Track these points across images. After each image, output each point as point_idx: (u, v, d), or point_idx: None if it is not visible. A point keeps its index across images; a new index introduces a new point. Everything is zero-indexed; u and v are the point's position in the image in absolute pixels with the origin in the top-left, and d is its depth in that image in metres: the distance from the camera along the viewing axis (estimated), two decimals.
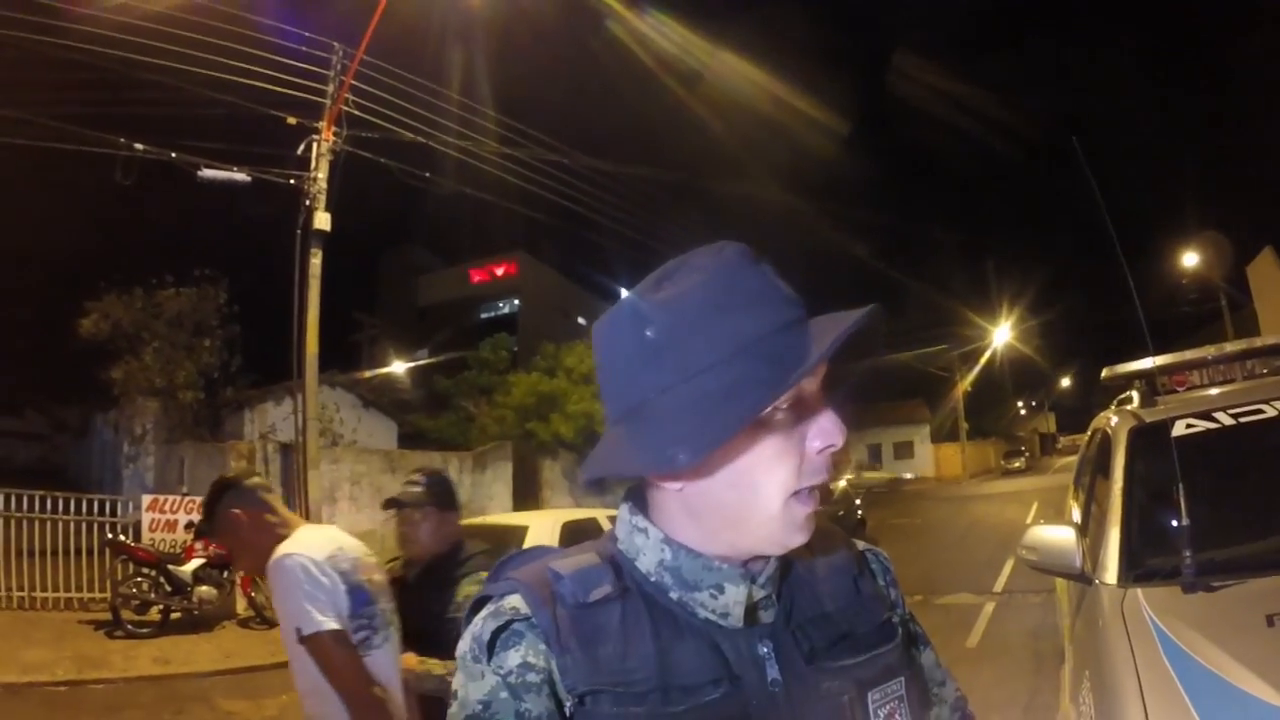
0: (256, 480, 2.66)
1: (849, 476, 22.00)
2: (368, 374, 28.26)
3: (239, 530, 2.49)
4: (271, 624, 10.28)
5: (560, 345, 21.52)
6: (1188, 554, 2.66)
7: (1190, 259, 28.62)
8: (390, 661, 2.56)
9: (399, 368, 30.54)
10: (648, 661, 0.83)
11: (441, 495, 3.35)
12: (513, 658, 0.84)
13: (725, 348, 0.82)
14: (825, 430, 0.86)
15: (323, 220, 11.48)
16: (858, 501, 18.40)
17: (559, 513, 10.65)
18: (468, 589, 3.02)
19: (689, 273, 0.89)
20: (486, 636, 0.86)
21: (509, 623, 0.86)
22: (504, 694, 0.82)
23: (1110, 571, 3.02)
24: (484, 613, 0.89)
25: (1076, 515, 4.86)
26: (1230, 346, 4.65)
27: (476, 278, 46.11)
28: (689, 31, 17.64)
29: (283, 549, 2.39)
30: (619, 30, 17.22)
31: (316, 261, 11.41)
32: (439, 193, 14.08)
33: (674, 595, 0.89)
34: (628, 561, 0.92)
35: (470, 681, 0.85)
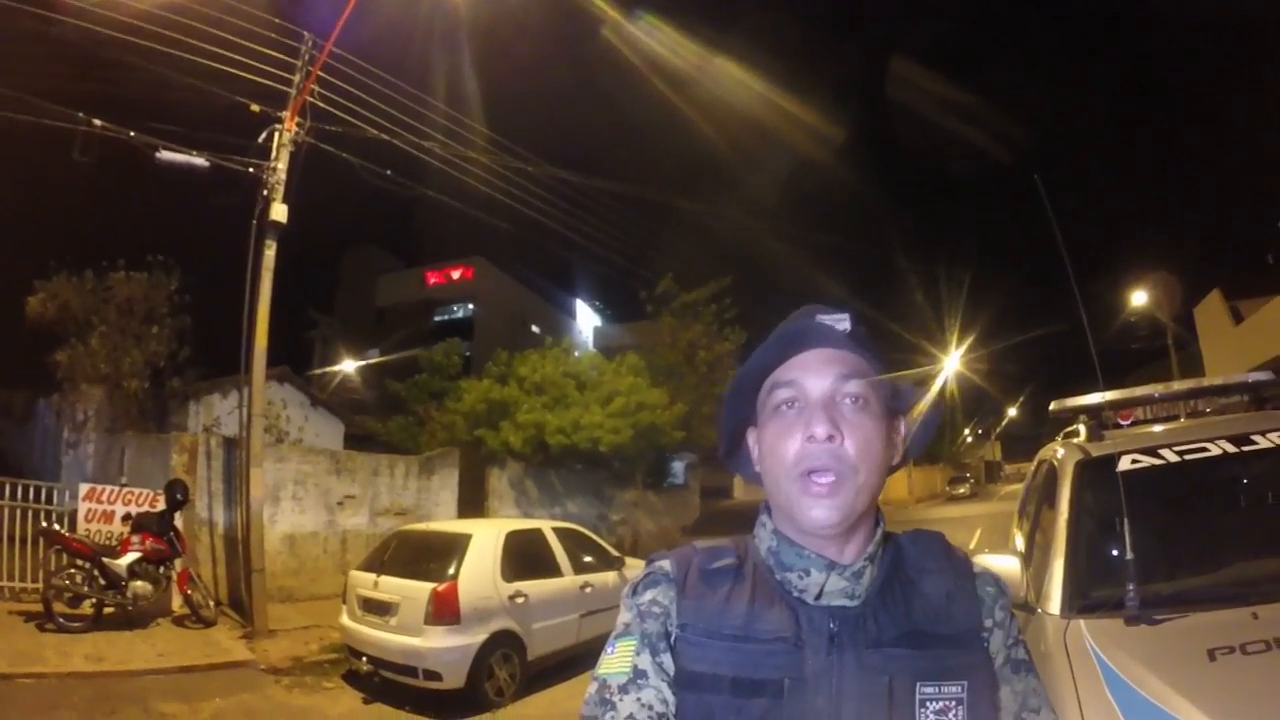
0: None
1: None
2: (318, 372, 27.94)
3: None
4: (208, 623, 10.14)
5: (514, 353, 21.23)
6: (1131, 587, 2.73)
7: (1140, 297, 29.41)
8: None
9: (349, 367, 30.20)
10: (740, 614, 1.14)
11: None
12: (648, 596, 1.19)
13: (757, 351, 1.20)
14: (808, 423, 1.12)
15: (279, 212, 11.22)
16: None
17: (503, 522, 10.58)
18: None
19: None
20: (637, 581, 1.23)
21: (653, 574, 1.23)
22: (637, 618, 1.17)
23: (1054, 602, 3.05)
24: (645, 567, 1.25)
25: (1020, 544, 4.90)
26: (1178, 385, 4.75)
27: (433, 280, 45.74)
28: (672, 39, 17.61)
29: None
30: (598, 39, 17.18)
31: (271, 254, 11.14)
32: (402, 193, 13.85)
33: (777, 575, 1.18)
34: (753, 547, 1.24)
35: (624, 610, 1.21)
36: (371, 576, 8.34)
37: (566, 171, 17.13)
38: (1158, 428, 4.17)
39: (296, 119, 11.50)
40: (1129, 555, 2.76)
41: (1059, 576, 3.17)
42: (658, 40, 17.36)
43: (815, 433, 1.11)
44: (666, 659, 1.13)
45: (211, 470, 12.16)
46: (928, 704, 1.08)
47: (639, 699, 1.09)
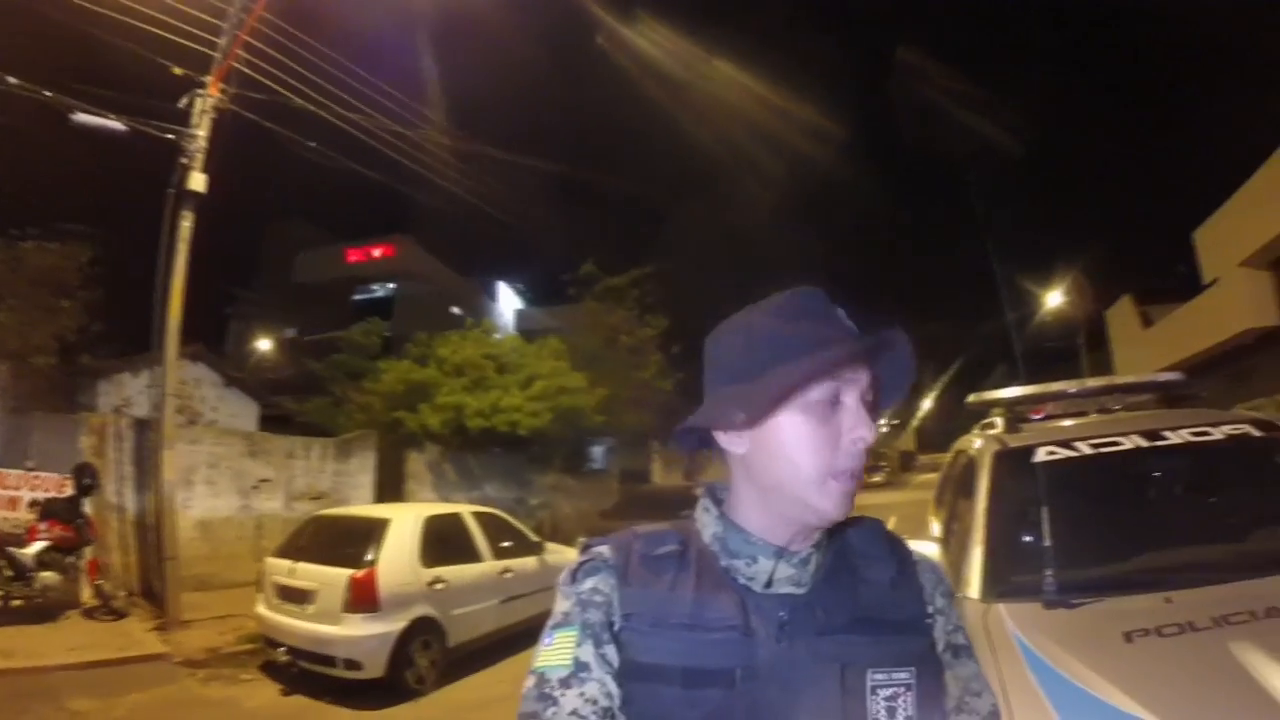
0: None
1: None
2: (234, 350, 27.29)
3: None
4: (120, 614, 9.72)
5: (435, 334, 20.98)
6: (1049, 572, 2.85)
7: (1056, 299, 30.50)
8: None
9: (265, 345, 29.55)
10: (685, 602, 1.10)
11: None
12: (588, 584, 1.14)
13: (785, 347, 1.10)
14: (856, 426, 1.10)
15: (198, 181, 10.71)
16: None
17: (422, 506, 10.49)
18: None
19: (779, 297, 1.18)
20: (575, 568, 1.17)
21: (592, 561, 1.17)
22: (577, 608, 1.12)
23: (974, 587, 3.13)
24: (582, 554, 1.20)
25: (938, 530, 5.06)
26: (1092, 382, 4.95)
27: (353, 257, 44.63)
28: (611, 19, 17.48)
29: None
30: (540, 17, 16.96)
31: (188, 225, 10.63)
32: (327, 166, 13.48)
33: (723, 561, 1.16)
34: (695, 533, 1.20)
35: (561, 599, 1.15)
36: (288, 563, 8.16)
37: (495, 149, 16.93)
38: (1067, 422, 4.31)
39: (220, 85, 10.98)
40: (1047, 542, 2.86)
41: (978, 562, 3.26)
42: (601, 17, 17.27)
43: (864, 436, 1.10)
44: (610, 650, 1.08)
45: (122, 453, 11.67)
46: (878, 691, 1.09)
47: (582, 693, 1.04)
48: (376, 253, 44.14)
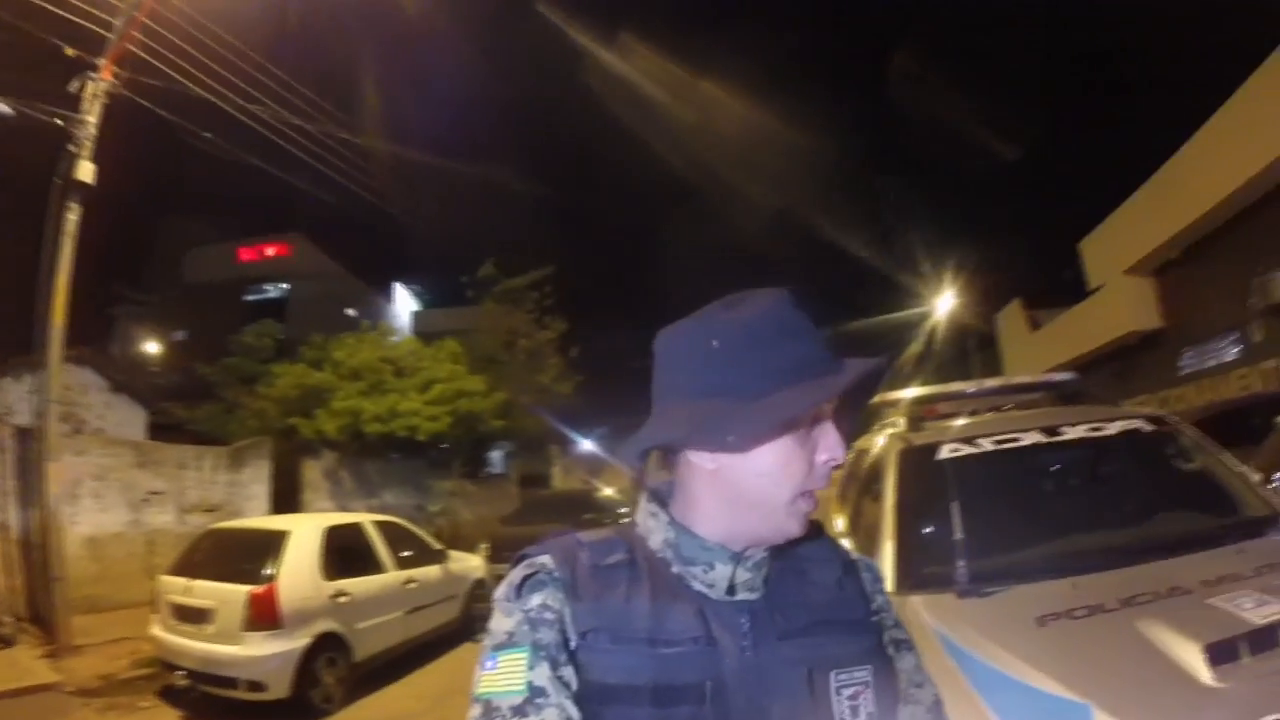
0: None
1: (612, 489, 22.42)
2: (121, 354, 26.29)
3: None
4: (6, 641, 9.09)
5: (330, 337, 20.57)
6: (961, 563, 2.94)
7: (949, 301, 31.65)
8: None
9: (154, 348, 28.55)
10: (643, 615, 1.04)
11: None
12: (535, 599, 1.05)
13: (776, 367, 1.05)
14: (831, 446, 1.09)
15: (86, 171, 10.05)
16: (622, 510, 18.68)
17: (321, 516, 10.15)
18: None
19: (752, 305, 1.11)
20: (518, 581, 1.08)
21: (536, 574, 1.08)
22: (525, 626, 1.03)
23: (887, 580, 3.18)
24: (520, 565, 1.11)
25: (841, 526, 5.19)
26: (990, 382, 5.19)
27: (246, 256, 43.21)
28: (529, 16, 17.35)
29: None
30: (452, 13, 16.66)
31: (74, 218, 9.97)
32: (221, 161, 12.99)
33: (675, 569, 1.11)
34: (640, 539, 1.15)
35: (502, 617, 1.06)
36: (183, 581, 7.77)
37: (396, 147, 16.66)
38: (960, 421, 4.45)
39: (114, 68, 10.34)
40: (958, 535, 2.95)
41: (890, 556, 3.38)
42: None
43: (839, 456, 1.09)
44: (568, 672, 1.01)
45: (4, 464, 10.87)
46: (842, 691, 1.07)
47: None
48: (270, 251, 42.85)
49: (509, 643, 1.02)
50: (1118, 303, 21.44)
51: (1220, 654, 2.29)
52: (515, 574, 1.10)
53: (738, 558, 1.10)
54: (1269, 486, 3.62)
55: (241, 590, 7.33)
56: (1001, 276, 30.05)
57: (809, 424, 1.08)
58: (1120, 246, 20.85)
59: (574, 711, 0.98)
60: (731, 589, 1.10)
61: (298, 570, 7.72)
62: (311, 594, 7.73)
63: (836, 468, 1.11)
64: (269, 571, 7.50)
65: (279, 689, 7.21)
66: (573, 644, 1.03)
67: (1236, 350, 17.92)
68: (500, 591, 1.10)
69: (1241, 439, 6.19)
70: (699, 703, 1.01)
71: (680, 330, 1.14)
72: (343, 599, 8.03)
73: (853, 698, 1.08)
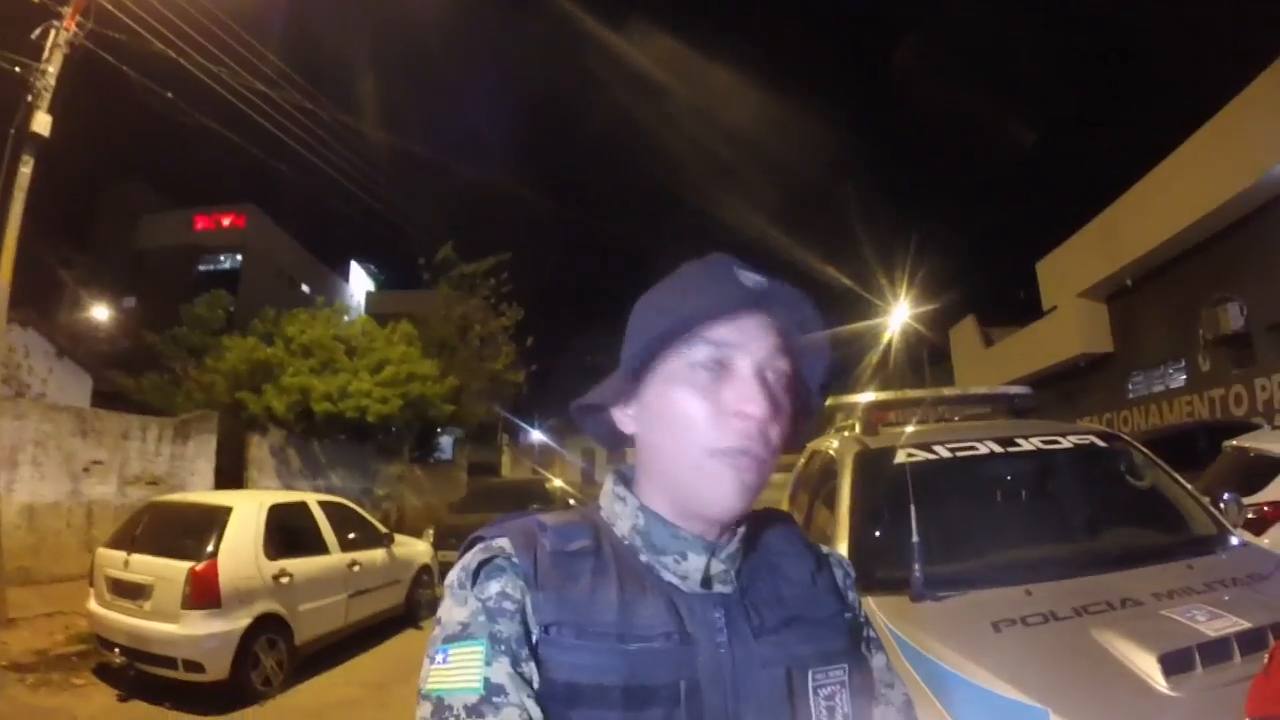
0: None
1: (560, 481, 22.41)
2: (67, 319, 25.74)
3: None
4: None
5: (282, 312, 20.20)
6: (916, 567, 2.93)
7: (903, 312, 32.29)
8: None
9: (102, 314, 28.00)
10: (610, 607, 0.95)
11: None
12: (493, 587, 0.95)
13: (663, 319, 0.99)
14: (740, 398, 0.97)
15: (42, 123, 9.72)
16: (571, 502, 18.68)
17: (265, 494, 9.87)
18: None
19: (677, 271, 1.09)
20: (474, 566, 0.97)
21: (493, 558, 0.98)
22: (481, 616, 0.93)
23: None
24: (475, 549, 1.00)
25: None
26: (947, 391, 5.32)
27: (200, 225, 42.40)
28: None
29: None
30: None
31: (27, 171, 9.62)
32: (180, 124, 12.64)
33: (643, 558, 1.02)
34: (606, 525, 1.06)
35: (455, 606, 0.95)
36: (121, 555, 7.49)
37: (360, 121, 16.46)
38: (909, 428, 4.52)
39: (78, 18, 10.01)
40: (915, 539, 2.97)
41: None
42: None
43: (747, 410, 0.96)
44: (529, 668, 0.91)
45: None
46: (819, 691, 1.01)
47: None
48: (226, 221, 42.12)
49: (463, 634, 0.92)
50: (1070, 325, 22.14)
51: (1175, 663, 2.34)
52: (469, 558, 1.00)
53: (712, 548, 1.02)
54: (1217, 507, 3.69)
55: (181, 567, 7.12)
56: (957, 293, 30.61)
57: (710, 370, 0.99)
58: (1075, 271, 21.55)
59: (536, 712, 0.89)
60: (707, 581, 1.02)
61: (239, 548, 7.52)
62: (253, 573, 7.54)
63: (758, 425, 0.98)
64: (210, 548, 7.29)
65: (218, 670, 7.03)
66: (534, 637, 0.94)
67: (1183, 378, 18.56)
68: (452, 577, 0.99)
69: (1188, 463, 6.33)
70: (673, 704, 0.93)
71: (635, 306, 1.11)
72: (285, 579, 7.85)
73: (829, 698, 1.02)
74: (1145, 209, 17.57)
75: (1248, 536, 3.66)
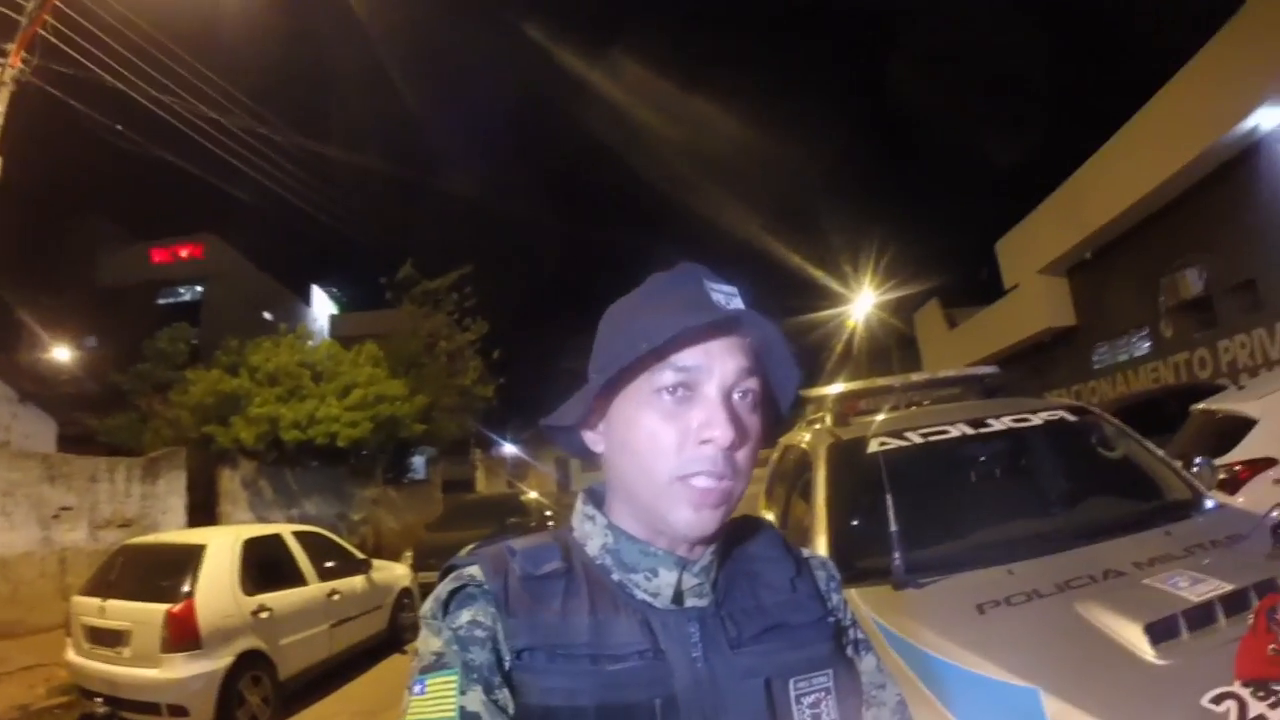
0: None
1: (535, 493, 22.33)
2: (28, 361, 25.31)
3: None
4: None
5: (246, 341, 19.77)
6: (896, 555, 2.94)
7: (869, 298, 32.54)
8: None
9: (64, 354, 27.56)
10: (583, 629, 0.95)
11: None
12: (464, 615, 0.95)
13: (633, 337, 0.97)
14: (708, 423, 0.96)
15: None
16: (548, 513, 18.62)
17: (239, 529, 9.58)
18: None
19: (647, 283, 1.07)
20: (445, 596, 0.98)
21: (464, 587, 0.98)
22: (454, 645, 0.93)
23: None
24: (448, 579, 1.01)
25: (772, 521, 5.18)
26: (915, 377, 5.32)
27: (158, 258, 41.57)
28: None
29: None
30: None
31: None
32: (133, 156, 12.48)
33: (615, 576, 1.02)
34: (578, 545, 1.06)
35: (429, 636, 0.96)
36: (97, 601, 7.32)
37: (316, 143, 16.33)
38: (880, 416, 4.48)
39: (24, 54, 9.83)
40: (892, 527, 2.97)
41: (823, 550, 3.35)
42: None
43: (715, 436, 0.96)
44: (504, 695, 0.92)
45: None
46: (803, 700, 1.00)
47: None
48: (184, 253, 41.16)
49: (437, 664, 0.93)
50: (1033, 301, 22.42)
51: (1161, 632, 2.34)
52: (442, 588, 1.01)
53: (683, 563, 1.01)
54: (1190, 471, 3.72)
55: (158, 609, 6.97)
56: (920, 277, 30.84)
57: (675, 394, 0.98)
58: (1035, 248, 21.81)
59: None
60: (678, 597, 1.01)
61: (216, 586, 7.38)
62: (232, 610, 7.41)
63: (724, 449, 0.97)
64: (186, 588, 7.14)
65: (203, 713, 6.89)
66: (507, 663, 0.94)
67: (1147, 345, 18.79)
68: (427, 608, 1.00)
69: (1157, 428, 6.38)
70: None
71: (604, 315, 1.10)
72: (264, 614, 7.72)
73: (814, 705, 1.01)
74: (1100, 184, 17.79)
75: (1222, 498, 3.71)
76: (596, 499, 1.10)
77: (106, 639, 7.17)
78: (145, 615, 7.02)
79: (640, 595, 1.01)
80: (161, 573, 7.47)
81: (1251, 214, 14.45)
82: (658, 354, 0.97)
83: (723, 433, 0.95)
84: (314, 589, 8.77)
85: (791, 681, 1.00)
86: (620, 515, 1.05)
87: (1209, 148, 14.19)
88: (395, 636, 10.32)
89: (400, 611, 10.58)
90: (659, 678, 0.95)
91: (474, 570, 1.01)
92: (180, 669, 6.83)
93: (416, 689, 0.92)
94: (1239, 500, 4.39)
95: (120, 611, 7.18)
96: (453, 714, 0.88)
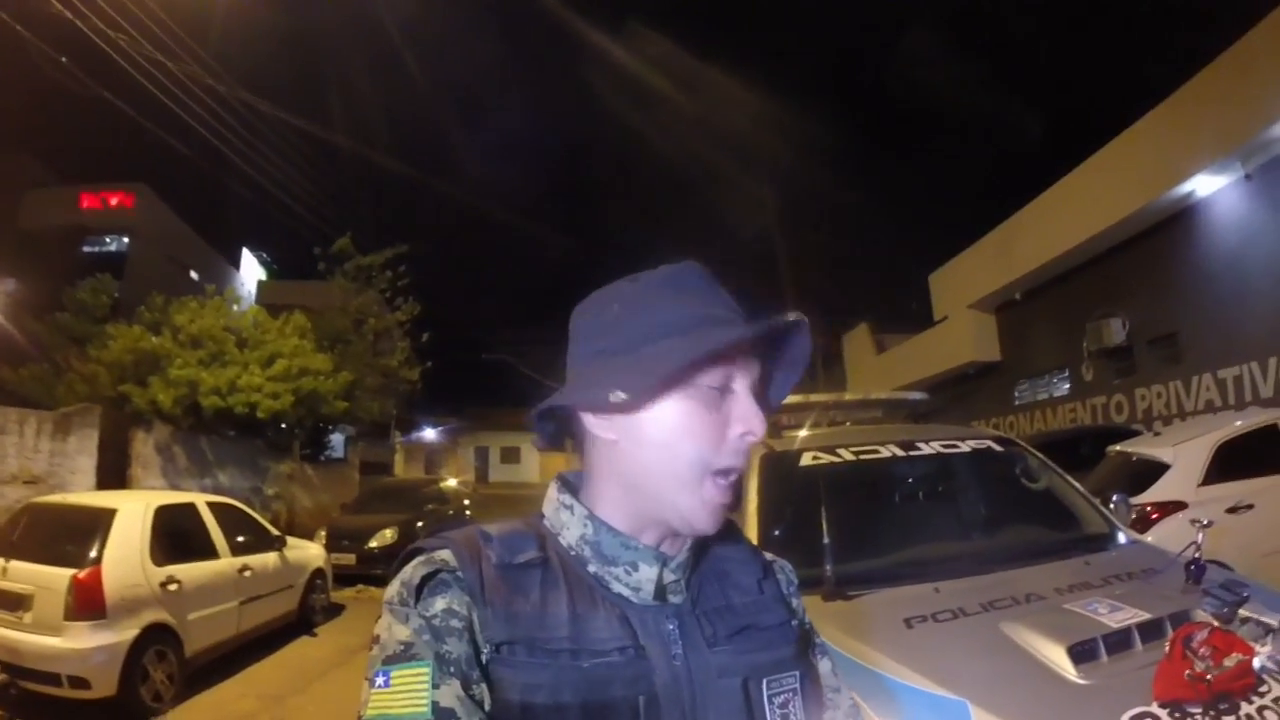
0: None
1: (460, 479, 22.11)
2: None
3: None
4: None
5: (170, 299, 19.04)
6: (828, 567, 3.03)
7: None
8: None
9: None
10: (561, 622, 0.92)
11: None
12: (438, 604, 0.91)
13: (669, 320, 0.98)
14: (747, 417, 0.98)
15: None
16: (466, 502, 18.47)
17: (151, 494, 9.31)
18: None
19: (655, 273, 1.05)
20: (416, 582, 0.93)
21: (437, 572, 0.93)
22: (426, 635, 0.88)
23: None
24: (415, 562, 0.96)
25: None
26: (848, 396, 5.60)
27: (87, 203, 39.61)
28: None
29: None
30: None
31: None
32: (72, 94, 11.90)
33: (592, 568, 1.00)
34: (552, 535, 1.03)
35: (395, 623, 0.90)
36: None
37: (263, 102, 15.91)
38: (803, 432, 4.60)
39: None
40: (825, 539, 3.06)
41: None
42: None
43: (754, 430, 0.98)
44: (481, 690, 0.87)
45: None
46: (774, 700, 1.00)
47: None
48: (114, 201, 39.37)
49: (406, 655, 0.87)
50: (960, 334, 23.23)
51: (1082, 653, 2.46)
52: (410, 572, 0.95)
53: (663, 558, 1.00)
54: (1108, 507, 3.88)
55: (64, 574, 6.65)
56: (850, 300, 31.50)
57: (718, 391, 0.98)
58: (967, 284, 22.61)
59: None
60: (660, 593, 1.00)
61: (125, 554, 7.09)
62: (140, 580, 7.11)
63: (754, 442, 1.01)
64: (94, 554, 6.84)
65: (105, 686, 6.58)
66: (484, 657, 0.90)
67: (1067, 386, 19.50)
68: (392, 593, 0.94)
69: (1073, 466, 6.59)
70: (631, 719, 0.92)
71: (586, 301, 1.08)
72: (173, 587, 7.41)
73: (783, 706, 1.01)
74: (1035, 229, 18.54)
75: (1135, 535, 3.86)
76: (571, 487, 1.07)
77: (7, 603, 6.79)
78: (49, 580, 6.70)
79: (618, 589, 0.99)
80: (69, 536, 7.16)
81: (1179, 272, 15.20)
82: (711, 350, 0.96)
83: (760, 427, 0.98)
84: (225, 563, 8.46)
85: (765, 681, 1.01)
86: (604, 506, 1.03)
87: (1144, 207, 14.90)
88: (305, 619, 10.08)
89: (312, 593, 10.30)
90: (641, 674, 0.93)
91: (446, 555, 0.96)
92: (84, 639, 6.53)
93: (380, 681, 0.87)
94: (1149, 538, 4.58)
95: (23, 574, 6.84)
96: (424, 709, 0.84)
